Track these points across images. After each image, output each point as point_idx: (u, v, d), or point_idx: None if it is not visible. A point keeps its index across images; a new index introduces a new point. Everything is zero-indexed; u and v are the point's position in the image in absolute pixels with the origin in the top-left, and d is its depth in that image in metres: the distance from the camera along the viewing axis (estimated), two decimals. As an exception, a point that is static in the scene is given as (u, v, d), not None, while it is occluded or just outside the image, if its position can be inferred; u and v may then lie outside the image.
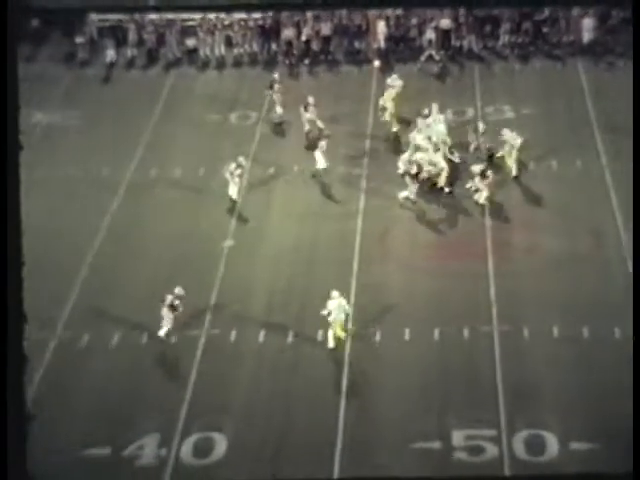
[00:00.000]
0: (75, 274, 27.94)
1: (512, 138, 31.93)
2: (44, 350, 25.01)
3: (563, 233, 29.42)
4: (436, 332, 25.37)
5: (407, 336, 25.34)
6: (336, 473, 21.29)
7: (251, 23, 41.38)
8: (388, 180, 31.87)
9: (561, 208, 30.71)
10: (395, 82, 35.34)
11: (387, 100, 34.70)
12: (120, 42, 41.34)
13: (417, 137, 32.01)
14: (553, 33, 41.21)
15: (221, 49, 41.37)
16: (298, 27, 41.11)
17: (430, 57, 40.49)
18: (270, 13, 39.93)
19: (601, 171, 32.22)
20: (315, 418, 22.80)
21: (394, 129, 34.33)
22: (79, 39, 41.21)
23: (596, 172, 32.22)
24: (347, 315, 25.05)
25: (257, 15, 40.54)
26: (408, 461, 21.56)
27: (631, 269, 26.09)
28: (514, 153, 31.92)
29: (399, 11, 41.08)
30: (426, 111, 33.10)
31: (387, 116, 34.56)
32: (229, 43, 41.48)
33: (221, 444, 22.14)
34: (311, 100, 34.40)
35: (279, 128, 35.45)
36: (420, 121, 32.57)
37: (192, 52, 41.34)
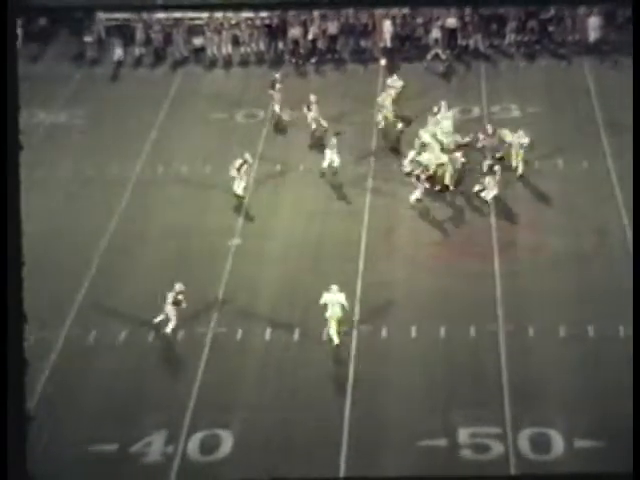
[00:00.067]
0: (82, 272, 28.03)
1: (518, 137, 31.97)
2: (51, 348, 25.11)
3: (569, 232, 29.46)
4: (442, 330, 25.44)
5: (413, 334, 25.41)
6: (342, 470, 21.36)
7: (258, 22, 41.48)
8: (394, 178, 31.96)
9: (567, 207, 30.75)
10: (395, 83, 35.49)
11: (385, 100, 34.73)
12: (128, 41, 41.46)
13: (423, 135, 32.09)
14: (559, 32, 41.26)
15: (228, 48, 41.45)
16: (305, 26, 41.20)
17: (436, 56, 40.55)
18: (277, 12, 39.98)
19: (606, 170, 32.26)
20: (321, 415, 22.87)
21: (398, 126, 34.34)
22: (87, 38, 41.35)
23: (602, 171, 32.26)
24: (345, 310, 25.10)
25: (264, 14, 40.61)
26: (414, 459, 21.63)
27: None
28: (520, 152, 31.98)
29: (405, 10, 41.16)
30: (435, 109, 33.22)
31: (384, 115, 34.54)
32: (236, 42, 41.56)
33: (227, 441, 22.23)
34: (313, 99, 34.49)
35: (281, 126, 35.48)
36: (430, 118, 32.71)
37: (199, 51, 41.44)
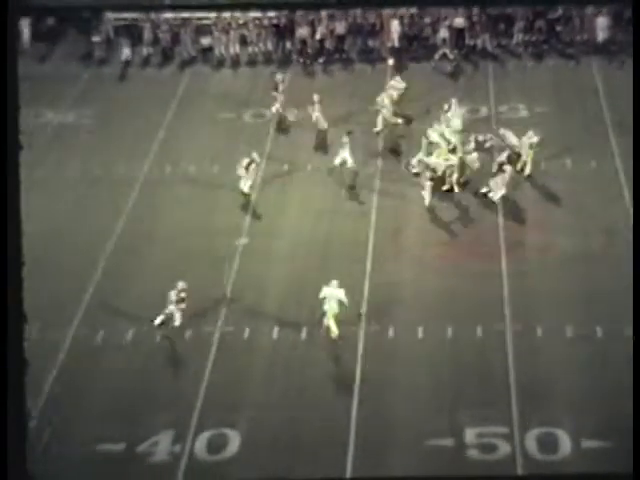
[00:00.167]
0: (90, 272, 28.05)
1: (528, 138, 31.93)
2: (59, 348, 25.15)
3: (577, 232, 29.42)
4: (449, 330, 25.43)
5: (420, 334, 25.40)
6: (349, 470, 21.37)
7: (266, 22, 41.50)
8: (402, 179, 31.95)
9: (575, 207, 30.71)
10: (398, 84, 35.52)
11: (384, 100, 34.67)
12: (135, 41, 41.52)
13: (431, 134, 32.08)
14: (567, 32, 41.22)
15: (236, 48, 41.47)
16: (312, 26, 41.21)
17: (444, 56, 40.54)
18: (284, 12, 40.02)
19: (615, 170, 32.21)
20: (328, 415, 22.88)
21: (398, 121, 34.34)
22: (95, 38, 41.42)
23: (610, 171, 32.21)
24: (342, 306, 25.09)
25: (272, 14, 40.63)
26: (420, 459, 21.62)
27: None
28: (530, 152, 31.94)
29: (413, 10, 41.14)
30: (446, 106, 33.28)
31: (383, 116, 34.54)
32: (244, 42, 41.59)
33: (234, 440, 22.25)
34: (316, 98, 34.53)
35: (284, 127, 35.49)
36: (441, 116, 32.75)
37: (207, 51, 41.47)
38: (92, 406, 23.49)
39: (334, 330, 25.05)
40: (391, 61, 38.87)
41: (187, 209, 31.07)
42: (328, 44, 41.23)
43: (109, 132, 35.59)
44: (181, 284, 25.63)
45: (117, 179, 32.65)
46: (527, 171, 32.02)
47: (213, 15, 41.08)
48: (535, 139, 31.86)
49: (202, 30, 41.54)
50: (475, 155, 31.53)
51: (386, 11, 40.64)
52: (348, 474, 21.32)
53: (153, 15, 41.11)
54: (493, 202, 30.59)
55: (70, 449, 22.07)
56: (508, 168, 30.69)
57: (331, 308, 24.99)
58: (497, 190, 30.62)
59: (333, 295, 25.05)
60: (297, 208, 31.10)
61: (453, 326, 25.51)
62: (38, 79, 36.57)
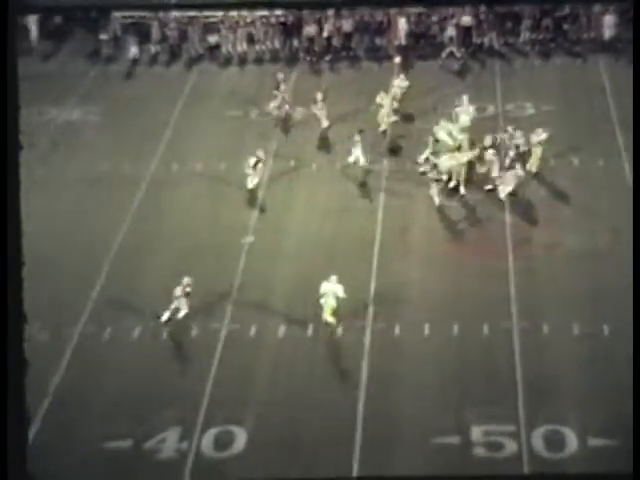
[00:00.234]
0: (97, 269, 28.09)
1: (537, 136, 31.90)
2: (65, 345, 25.20)
3: (584, 230, 29.40)
4: (455, 328, 25.42)
5: (426, 332, 25.40)
6: (355, 468, 21.38)
7: (273, 20, 41.55)
8: (408, 177, 31.94)
9: (582, 205, 30.68)
10: (402, 82, 35.54)
11: (383, 99, 34.60)
12: (143, 39, 41.58)
13: (438, 132, 32.07)
14: (574, 30, 41.19)
15: (243, 46, 41.52)
16: (319, 24, 41.24)
17: (451, 54, 40.54)
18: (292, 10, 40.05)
19: (622, 168, 32.17)
20: (334, 413, 22.89)
21: (393, 119, 34.37)
22: (103, 36, 41.51)
23: (617, 169, 32.16)
24: (339, 302, 25.10)
25: (279, 12, 40.66)
26: (427, 457, 21.62)
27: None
28: (538, 151, 31.90)
29: (420, 8, 41.11)
30: (457, 101, 33.33)
31: (384, 113, 34.56)
32: (251, 40, 41.63)
33: (241, 437, 22.28)
34: (319, 96, 34.56)
35: (286, 126, 35.51)
36: (453, 112, 32.76)
37: (214, 48, 41.50)
38: (99, 403, 23.52)
39: (332, 323, 25.05)
40: (398, 59, 38.89)
41: (194, 207, 31.10)
42: (335, 42, 41.25)
43: (116, 130, 35.64)
44: (186, 279, 25.76)
45: (124, 177, 32.69)
46: (534, 169, 32.00)
47: (220, 13, 41.11)
48: (544, 136, 31.83)
49: (209, 28, 41.61)
50: (492, 152, 31.36)
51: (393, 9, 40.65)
52: (354, 472, 21.32)
53: (161, 13, 41.15)
54: (499, 199, 30.57)
55: (77, 446, 22.11)
56: (518, 166, 30.65)
57: (328, 303, 25.02)
58: (505, 186, 30.55)
59: (331, 290, 25.09)
60: (304, 206, 31.12)
61: (459, 324, 25.51)
62: (45, 77, 36.66)
